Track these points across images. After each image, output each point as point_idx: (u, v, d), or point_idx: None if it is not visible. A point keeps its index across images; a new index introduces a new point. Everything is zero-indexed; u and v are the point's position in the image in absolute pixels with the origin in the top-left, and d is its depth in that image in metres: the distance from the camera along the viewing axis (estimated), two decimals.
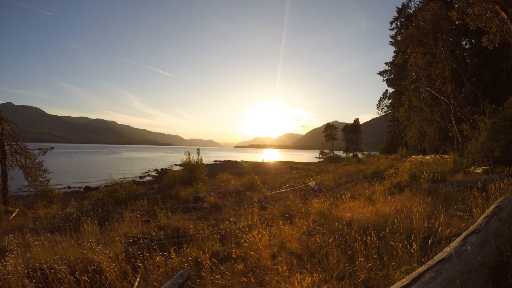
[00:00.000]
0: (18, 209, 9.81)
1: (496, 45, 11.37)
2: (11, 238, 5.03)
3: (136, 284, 3.07)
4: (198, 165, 15.68)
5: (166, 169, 34.76)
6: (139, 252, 3.69)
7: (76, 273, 3.14)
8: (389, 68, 33.95)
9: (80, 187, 20.85)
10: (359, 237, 3.24)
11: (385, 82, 34.90)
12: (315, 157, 58.37)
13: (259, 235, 3.76)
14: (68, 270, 3.14)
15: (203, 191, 11.71)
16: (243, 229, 4.43)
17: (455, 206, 4.59)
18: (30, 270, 3.21)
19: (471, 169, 9.95)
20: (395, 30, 30.53)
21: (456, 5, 14.33)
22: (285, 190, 11.84)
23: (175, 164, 30.39)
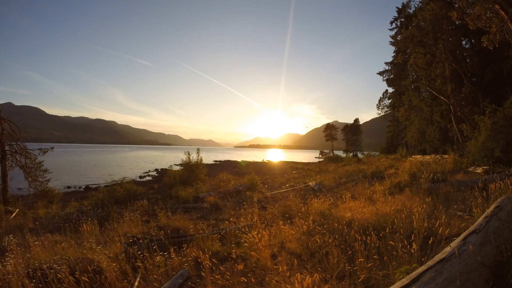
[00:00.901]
0: (18, 209, 9.82)
1: (496, 45, 11.37)
2: (11, 238, 5.02)
3: (136, 284, 3.07)
4: (198, 165, 15.69)
5: (166, 169, 34.77)
6: (139, 252, 3.68)
7: (76, 273, 3.14)
8: (389, 68, 33.94)
9: (80, 187, 20.86)
10: (359, 237, 3.24)
11: (385, 82, 34.93)
12: (315, 157, 58.38)
13: (259, 235, 3.76)
14: (68, 270, 3.14)
15: (203, 191, 11.71)
16: (243, 229, 4.43)
17: (455, 206, 4.59)
18: (30, 270, 3.21)
19: (471, 169, 9.94)
20: (395, 30, 30.53)
21: (456, 5, 14.33)
22: (285, 190, 11.84)
23: (175, 164, 30.43)
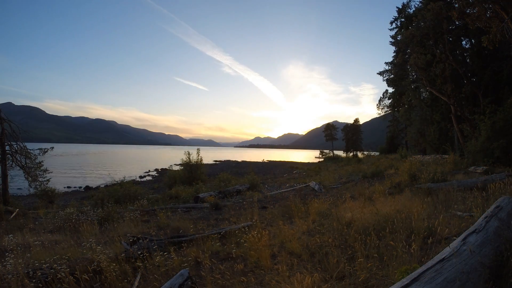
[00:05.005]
0: (18, 209, 9.81)
1: (496, 45, 11.35)
2: (11, 238, 5.03)
3: (136, 284, 3.07)
4: (198, 165, 15.71)
5: (166, 169, 34.77)
6: (139, 252, 3.69)
7: (76, 273, 3.13)
8: (389, 68, 33.94)
9: (80, 187, 20.89)
10: (359, 237, 3.24)
11: (385, 82, 34.90)
12: (315, 157, 58.43)
13: (259, 235, 3.76)
14: (68, 270, 3.14)
15: (203, 191, 11.72)
16: (243, 229, 4.43)
17: (455, 206, 4.59)
18: (30, 270, 3.21)
19: (471, 169, 9.94)
20: (395, 30, 30.54)
21: (456, 5, 14.31)
22: (285, 190, 11.85)
23: (175, 164, 30.47)
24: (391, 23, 30.95)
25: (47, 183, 12.67)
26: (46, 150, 12.88)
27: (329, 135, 55.89)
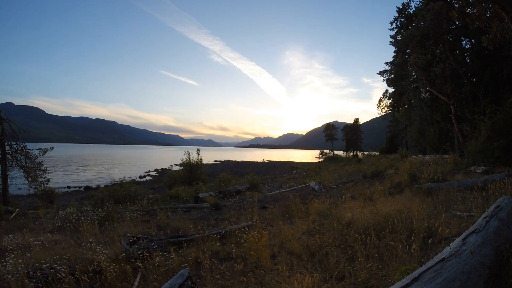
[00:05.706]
0: (18, 209, 9.82)
1: (496, 45, 11.34)
2: (11, 238, 5.03)
3: (136, 284, 3.07)
4: (198, 165, 15.71)
5: (166, 169, 34.79)
6: (139, 252, 3.69)
7: (76, 273, 3.13)
8: (389, 68, 33.93)
9: (80, 187, 20.90)
10: (359, 237, 3.23)
11: (385, 82, 34.90)
12: (315, 157, 58.46)
13: (259, 235, 3.76)
14: (68, 270, 3.14)
15: (203, 191, 11.72)
16: (243, 229, 4.43)
17: (455, 206, 4.59)
18: (30, 270, 3.21)
19: (471, 169, 9.93)
20: (395, 30, 30.54)
21: (456, 5, 14.31)
22: (285, 190, 11.86)
23: (175, 164, 30.51)
24: (391, 23, 30.95)
25: (47, 183, 12.68)
26: (46, 150, 12.88)
27: (329, 135, 55.95)
